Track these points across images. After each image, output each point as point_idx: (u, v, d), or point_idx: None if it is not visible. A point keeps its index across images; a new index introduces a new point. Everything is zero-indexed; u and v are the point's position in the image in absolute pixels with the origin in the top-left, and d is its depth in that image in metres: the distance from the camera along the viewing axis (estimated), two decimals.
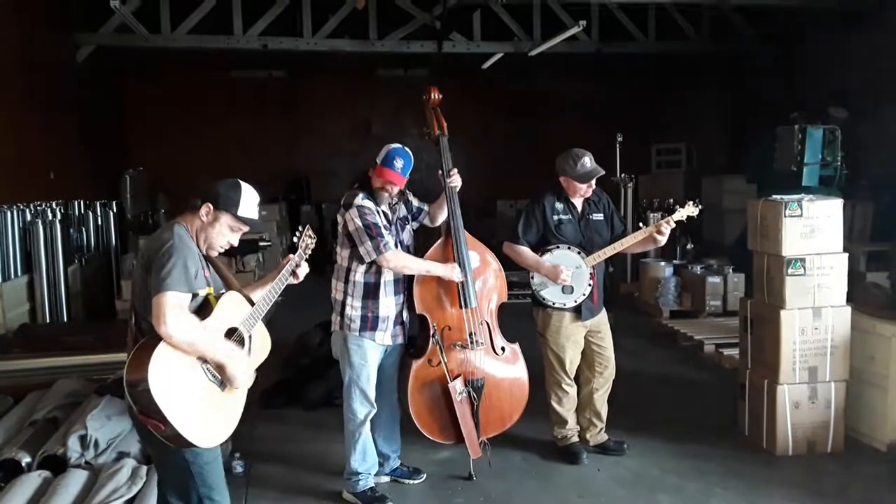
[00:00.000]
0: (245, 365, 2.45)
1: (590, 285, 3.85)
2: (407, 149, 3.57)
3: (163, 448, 2.33)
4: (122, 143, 11.88)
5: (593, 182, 3.88)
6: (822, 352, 4.00)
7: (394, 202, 3.62)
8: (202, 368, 2.34)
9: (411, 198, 3.77)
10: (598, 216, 3.98)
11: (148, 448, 2.57)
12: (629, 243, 3.86)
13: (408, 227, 3.72)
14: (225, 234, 2.50)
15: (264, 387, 5.05)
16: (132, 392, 2.22)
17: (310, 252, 2.78)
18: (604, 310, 4.05)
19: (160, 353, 2.22)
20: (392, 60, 11.90)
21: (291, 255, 2.73)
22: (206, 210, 2.45)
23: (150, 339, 2.26)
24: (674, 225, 3.83)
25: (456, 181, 3.75)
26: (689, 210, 3.94)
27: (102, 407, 3.82)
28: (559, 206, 3.92)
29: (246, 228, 2.53)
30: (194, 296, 2.34)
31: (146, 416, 2.22)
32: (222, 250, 2.55)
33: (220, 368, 2.37)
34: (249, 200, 2.52)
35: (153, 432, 2.25)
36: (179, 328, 2.22)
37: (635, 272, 8.21)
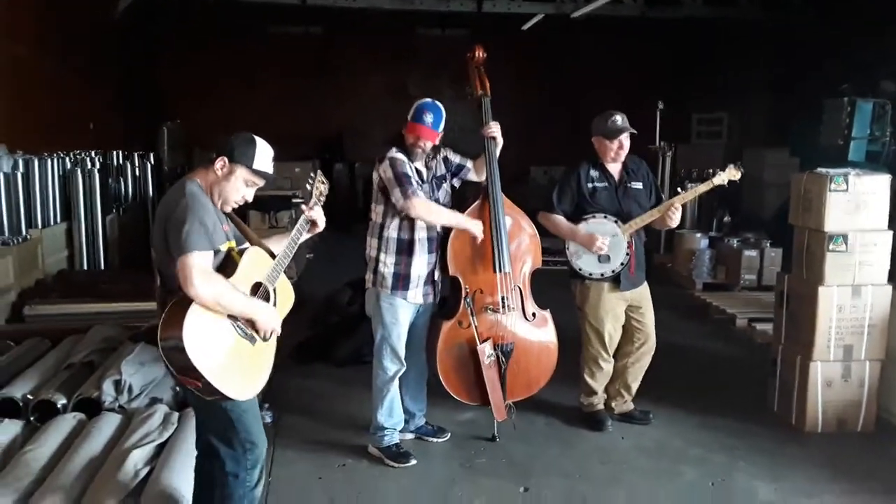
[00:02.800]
0: (274, 315, 2.48)
1: (627, 254, 3.78)
2: (438, 103, 3.54)
3: (203, 398, 2.37)
4: (160, 96, 11.96)
5: (625, 143, 3.78)
6: (858, 330, 3.92)
7: (430, 158, 3.59)
8: (232, 325, 2.36)
9: (451, 155, 3.73)
10: (638, 185, 3.88)
11: (188, 397, 2.63)
12: (656, 215, 3.77)
13: (444, 185, 3.68)
14: (239, 189, 2.48)
15: (296, 342, 5.12)
16: (167, 352, 2.25)
17: (323, 199, 2.74)
18: (645, 283, 3.96)
19: (193, 313, 2.24)
20: (430, 19, 11.73)
21: (304, 206, 2.70)
22: (220, 164, 2.44)
23: (181, 299, 2.27)
24: (679, 209, 3.73)
25: (495, 132, 3.69)
26: (731, 173, 3.80)
27: (137, 353, 3.90)
28: (594, 173, 3.85)
29: (261, 182, 2.52)
30: (216, 252, 2.35)
31: (183, 375, 2.26)
32: (237, 206, 2.53)
33: (250, 323, 2.41)
34: (264, 154, 2.50)
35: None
36: (207, 289, 2.24)
37: (669, 243, 8.09)
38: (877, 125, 6.92)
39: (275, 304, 2.52)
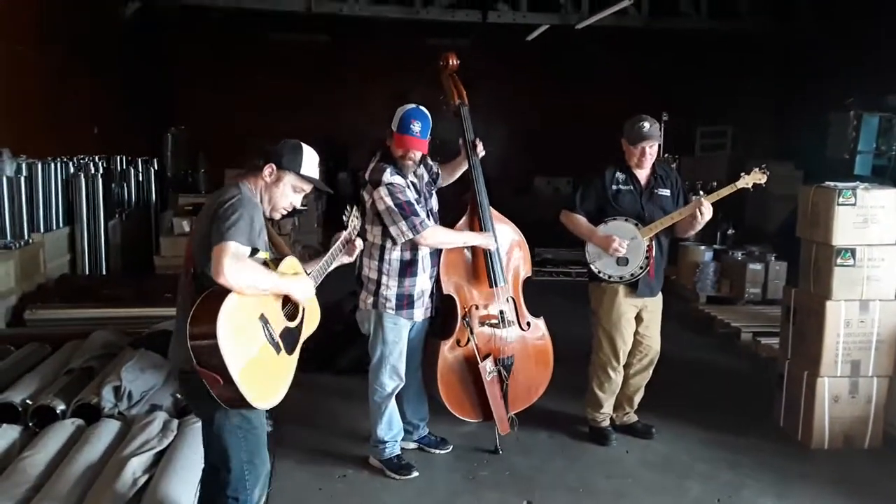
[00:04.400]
0: (309, 286, 2.47)
1: (647, 258, 3.71)
2: (422, 108, 3.39)
3: (211, 411, 2.31)
4: (165, 101, 11.97)
5: (648, 152, 3.70)
6: (866, 346, 3.88)
7: (418, 167, 3.49)
8: (263, 327, 2.31)
9: (430, 161, 3.64)
10: (665, 191, 3.81)
11: (197, 412, 2.57)
12: (678, 218, 3.69)
13: (433, 192, 3.64)
14: (288, 195, 2.49)
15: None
16: (196, 341, 2.16)
17: (356, 233, 2.78)
18: (660, 295, 3.91)
19: (229, 304, 2.17)
20: (436, 29, 11.74)
21: (343, 232, 2.72)
22: (269, 170, 2.44)
23: (214, 291, 2.20)
24: (710, 209, 3.62)
25: (480, 151, 3.65)
26: (756, 177, 3.67)
27: (137, 360, 3.88)
28: (620, 176, 3.79)
29: (308, 188, 2.53)
30: (254, 251, 2.29)
31: (205, 368, 2.16)
32: (285, 213, 2.53)
33: (286, 300, 2.39)
34: (311, 160, 2.51)
35: (209, 390, 2.19)
36: (239, 274, 2.18)
37: (673, 255, 8.06)
38: (883, 139, 6.90)
39: (301, 322, 2.50)
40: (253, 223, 2.28)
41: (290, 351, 2.44)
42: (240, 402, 2.23)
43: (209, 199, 2.44)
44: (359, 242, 2.76)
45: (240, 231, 2.22)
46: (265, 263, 2.36)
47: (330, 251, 2.67)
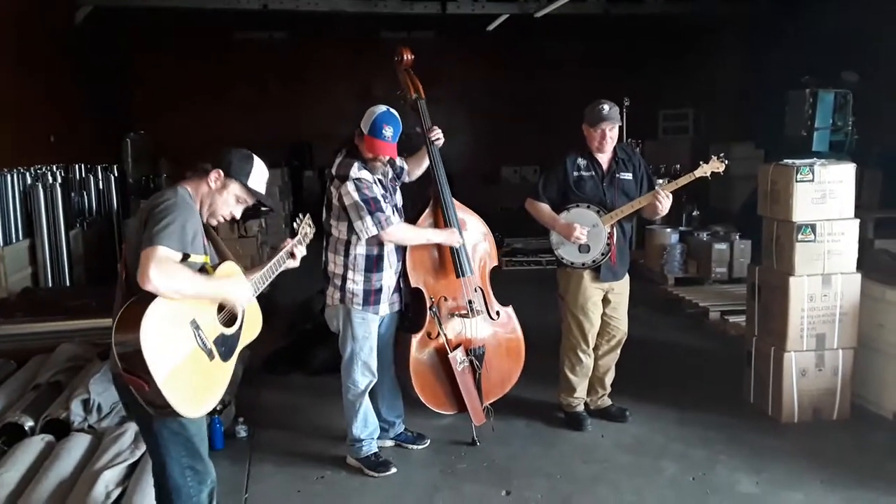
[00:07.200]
0: (243, 287, 2.39)
1: (608, 245, 3.76)
2: (392, 110, 3.39)
3: (147, 418, 2.26)
4: (123, 106, 11.75)
5: (608, 134, 3.72)
6: (830, 319, 3.96)
7: (384, 165, 3.49)
8: (194, 333, 2.24)
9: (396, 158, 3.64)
10: (627, 175, 3.84)
11: (133, 418, 2.50)
12: (637, 206, 3.74)
13: (398, 187, 3.64)
14: (230, 204, 2.45)
15: (268, 351, 5.05)
16: (120, 346, 2.11)
17: (308, 241, 2.74)
18: (627, 278, 3.96)
19: (155, 310, 2.11)
20: (395, 22, 11.69)
21: (290, 239, 2.68)
22: (215, 176, 2.40)
23: (142, 296, 2.14)
24: (669, 197, 3.68)
25: (438, 136, 3.65)
26: (714, 165, 3.76)
27: (105, 371, 3.80)
28: (581, 162, 3.82)
29: (252, 201, 2.49)
30: (185, 257, 2.23)
31: (130, 373, 2.10)
32: (223, 220, 2.48)
33: (222, 305, 2.33)
34: (260, 174, 2.47)
35: (136, 395, 2.14)
36: (165, 279, 2.13)
37: (641, 239, 8.14)
38: (839, 115, 7.06)
39: (240, 327, 2.43)
40: (185, 228, 2.23)
41: (225, 357, 2.36)
42: (167, 410, 2.15)
43: (145, 203, 2.39)
44: (301, 250, 2.68)
45: (169, 235, 2.18)
46: (203, 269, 2.31)
47: (275, 258, 2.61)
